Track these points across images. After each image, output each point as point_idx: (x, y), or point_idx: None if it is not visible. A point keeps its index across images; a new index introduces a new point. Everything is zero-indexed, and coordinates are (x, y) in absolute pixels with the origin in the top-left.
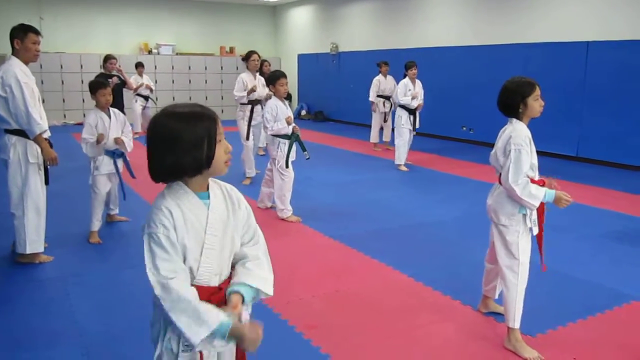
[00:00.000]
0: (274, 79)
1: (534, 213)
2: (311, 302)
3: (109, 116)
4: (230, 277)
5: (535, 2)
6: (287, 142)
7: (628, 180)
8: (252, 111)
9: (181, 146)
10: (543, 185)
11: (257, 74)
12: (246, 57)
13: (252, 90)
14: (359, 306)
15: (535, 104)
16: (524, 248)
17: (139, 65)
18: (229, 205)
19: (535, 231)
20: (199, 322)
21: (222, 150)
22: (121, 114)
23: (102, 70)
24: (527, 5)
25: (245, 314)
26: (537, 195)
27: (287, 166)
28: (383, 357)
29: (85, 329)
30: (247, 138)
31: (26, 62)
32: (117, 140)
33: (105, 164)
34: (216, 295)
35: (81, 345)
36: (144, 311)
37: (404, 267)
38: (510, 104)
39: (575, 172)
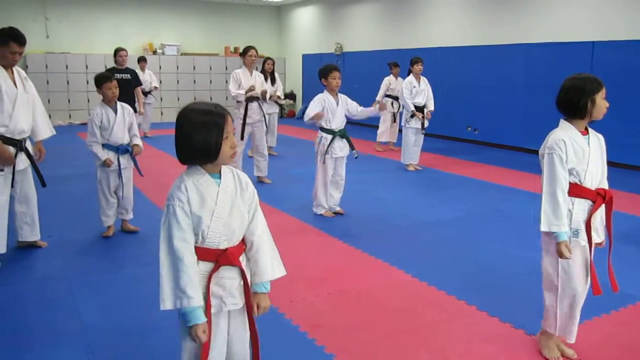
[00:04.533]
0: (325, 71)
1: (576, 221)
2: (315, 302)
3: (115, 111)
4: (241, 243)
5: (539, 2)
6: (329, 137)
7: (633, 181)
8: (246, 109)
9: (195, 132)
10: (597, 200)
11: (255, 70)
12: (243, 52)
13: (251, 89)
14: (363, 306)
15: (602, 102)
16: (564, 265)
17: (142, 60)
18: (237, 186)
19: (577, 243)
20: (178, 294)
21: (228, 145)
22: (130, 109)
23: (114, 65)
24: (531, 5)
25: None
26: (551, 220)
27: (323, 162)
28: (387, 357)
29: (89, 328)
30: (242, 137)
31: (4, 66)
32: (135, 150)
33: (112, 160)
34: (222, 257)
35: (85, 344)
36: (148, 310)
37: (408, 266)
38: (574, 101)
39: None
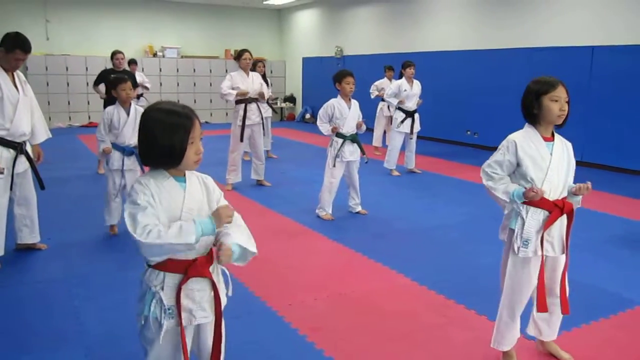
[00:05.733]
0: (340, 76)
1: (527, 231)
2: (314, 305)
3: (128, 113)
4: (211, 252)
5: (539, 7)
6: (340, 141)
7: (632, 185)
8: (245, 110)
9: (159, 133)
10: (553, 211)
11: (251, 72)
12: (237, 56)
13: (243, 93)
14: (362, 309)
15: (553, 105)
16: (511, 273)
17: (132, 63)
18: (204, 190)
19: (525, 254)
20: (182, 233)
21: (193, 151)
22: (142, 111)
23: (111, 67)
24: (531, 10)
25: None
26: (504, 188)
27: (334, 165)
28: None
29: (88, 330)
30: (242, 139)
31: (6, 70)
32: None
33: (117, 160)
34: (192, 267)
35: (84, 346)
36: None
37: (407, 270)
38: (525, 103)
39: (580, 177)
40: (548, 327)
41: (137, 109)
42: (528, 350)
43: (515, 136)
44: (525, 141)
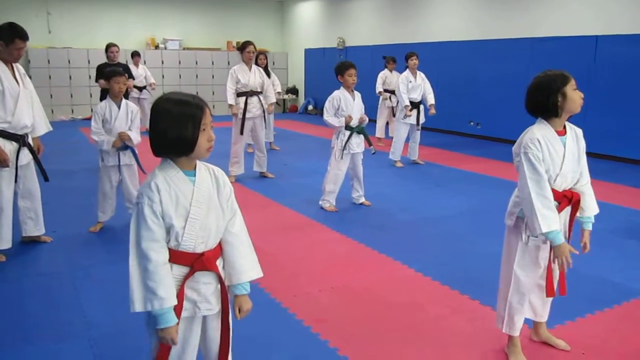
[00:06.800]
0: (342, 68)
1: None
2: (319, 296)
3: (119, 107)
4: (218, 247)
5: None
6: (347, 133)
7: (636, 175)
8: (246, 103)
9: (170, 124)
10: (562, 201)
11: (254, 65)
12: (241, 48)
13: (234, 112)
14: (367, 300)
15: (575, 94)
16: (520, 262)
17: (135, 55)
18: (214, 184)
19: (536, 242)
20: (149, 296)
21: (205, 138)
22: (134, 106)
23: (106, 60)
24: (534, 0)
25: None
26: (550, 219)
27: (341, 157)
28: (391, 352)
29: (93, 323)
30: (242, 132)
31: (6, 62)
32: (122, 136)
33: (112, 156)
34: (198, 262)
35: (89, 338)
36: None
37: (411, 261)
38: (544, 99)
39: None
40: (543, 307)
41: (128, 104)
42: (524, 339)
43: (535, 133)
44: (543, 137)
